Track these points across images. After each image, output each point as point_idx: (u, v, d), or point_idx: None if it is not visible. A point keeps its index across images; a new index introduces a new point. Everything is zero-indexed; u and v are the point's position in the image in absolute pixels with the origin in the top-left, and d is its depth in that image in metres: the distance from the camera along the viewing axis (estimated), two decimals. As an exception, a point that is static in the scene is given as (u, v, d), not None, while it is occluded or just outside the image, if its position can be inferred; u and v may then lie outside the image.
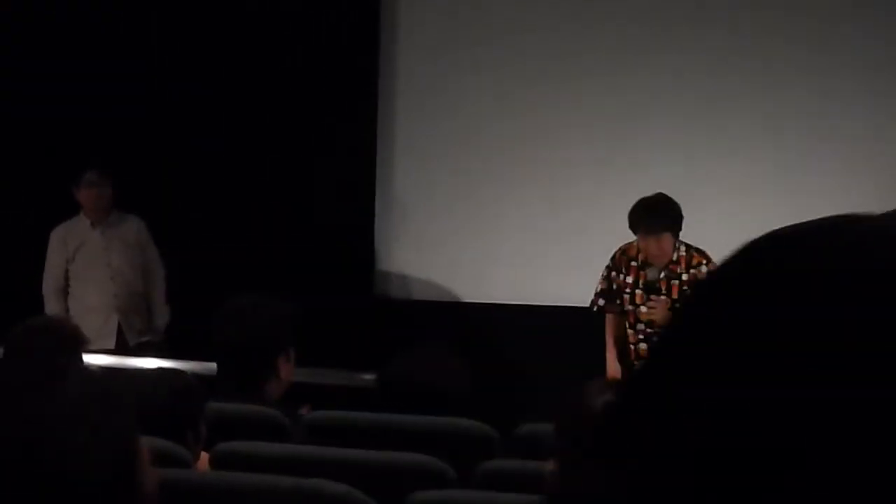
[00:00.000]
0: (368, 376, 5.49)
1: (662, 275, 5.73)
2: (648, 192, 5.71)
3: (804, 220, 0.72)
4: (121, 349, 6.49)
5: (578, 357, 5.96)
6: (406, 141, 7.39)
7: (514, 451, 3.38)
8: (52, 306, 6.60)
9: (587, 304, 6.22)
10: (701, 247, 5.75)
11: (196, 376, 5.26)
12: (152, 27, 7.38)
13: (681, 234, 5.72)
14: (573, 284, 6.81)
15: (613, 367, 5.92)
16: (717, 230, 5.87)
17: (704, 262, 5.64)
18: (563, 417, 2.27)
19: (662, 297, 5.70)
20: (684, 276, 5.67)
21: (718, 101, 6.84)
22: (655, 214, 5.58)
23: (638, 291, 5.81)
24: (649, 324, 5.75)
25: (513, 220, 7.19)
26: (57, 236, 6.70)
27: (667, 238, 5.60)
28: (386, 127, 7.40)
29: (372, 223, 7.40)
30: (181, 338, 6.65)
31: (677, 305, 5.56)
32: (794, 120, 6.75)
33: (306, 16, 7.29)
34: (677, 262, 5.69)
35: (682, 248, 5.69)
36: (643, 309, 5.74)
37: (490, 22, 7.22)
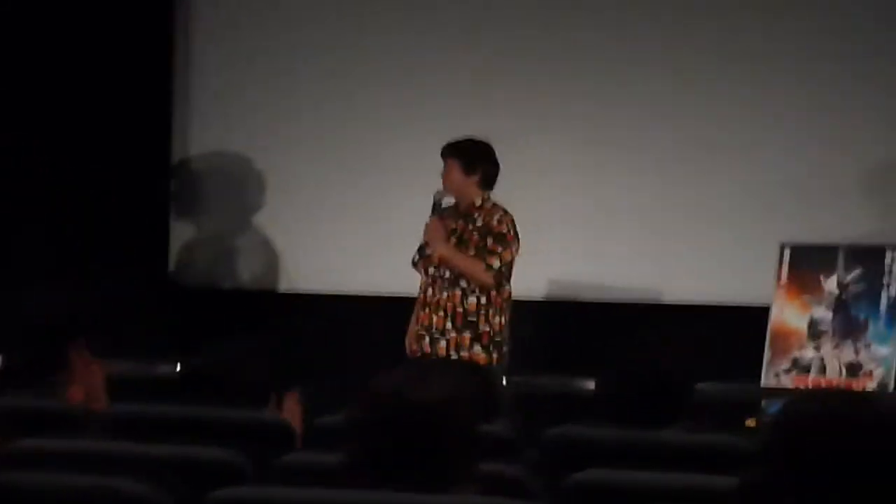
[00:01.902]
0: (165, 367, 5.41)
1: (455, 206, 5.83)
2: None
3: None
4: None
5: (388, 346, 5.96)
6: (205, 125, 7.28)
7: (315, 443, 3.36)
8: None
9: (393, 293, 6.21)
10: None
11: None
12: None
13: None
14: (379, 272, 6.81)
15: (410, 334, 5.96)
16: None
17: (501, 212, 5.81)
18: (352, 406, 2.28)
19: (436, 220, 5.81)
20: (478, 222, 5.80)
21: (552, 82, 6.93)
22: (450, 143, 5.84)
23: None
24: (437, 269, 5.82)
25: (318, 206, 7.14)
26: None
27: (453, 166, 5.80)
28: (182, 110, 7.28)
29: (167, 209, 7.27)
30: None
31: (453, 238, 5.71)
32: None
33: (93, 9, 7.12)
34: (479, 208, 5.83)
35: (490, 202, 5.84)
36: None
37: (294, 10, 7.17)
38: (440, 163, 5.90)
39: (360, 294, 6.95)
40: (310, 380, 6.40)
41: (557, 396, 5.73)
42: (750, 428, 5.47)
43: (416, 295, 6.00)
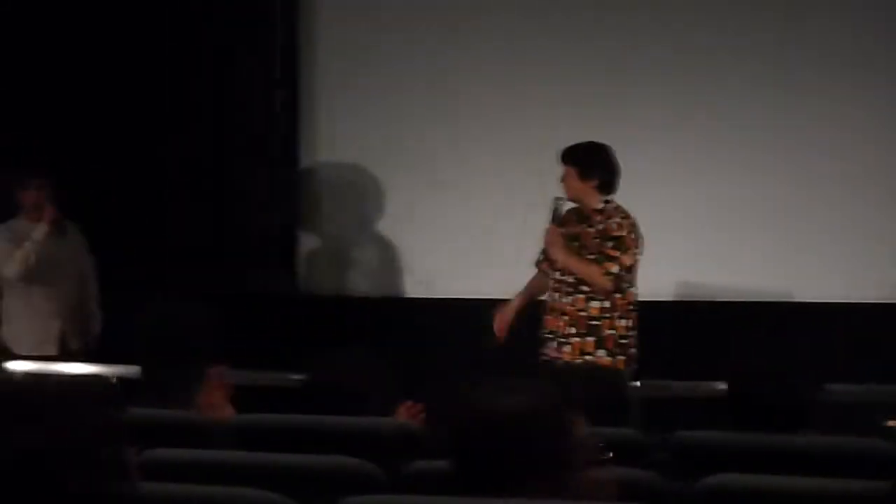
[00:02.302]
0: (295, 376, 5.44)
1: (570, 209, 5.82)
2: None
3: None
4: (63, 356, 6.39)
5: (508, 350, 5.94)
6: (330, 135, 7.34)
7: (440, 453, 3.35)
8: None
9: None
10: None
11: (121, 380, 5.19)
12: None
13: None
14: (502, 277, 6.79)
15: (498, 319, 5.99)
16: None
17: (621, 216, 5.76)
18: (455, 417, 2.29)
19: (555, 227, 5.81)
20: (599, 227, 5.77)
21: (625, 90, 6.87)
22: (567, 148, 5.81)
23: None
24: (560, 274, 5.80)
25: (439, 212, 7.16)
26: (2, 235, 6.51)
27: (568, 172, 5.78)
28: (308, 120, 7.34)
29: (296, 219, 7.34)
30: (103, 339, 6.58)
31: (575, 243, 5.71)
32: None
33: (222, 16, 7.22)
34: (600, 212, 5.78)
35: (612, 205, 5.79)
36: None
37: (414, 20, 7.19)
38: (559, 167, 5.86)
39: (482, 298, 6.94)
40: (438, 385, 6.41)
41: (687, 399, 5.65)
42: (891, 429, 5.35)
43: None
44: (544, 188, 5.94)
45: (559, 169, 5.82)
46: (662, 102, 6.85)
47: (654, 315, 5.96)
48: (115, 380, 5.45)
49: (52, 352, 6.45)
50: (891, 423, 5.44)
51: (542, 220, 5.93)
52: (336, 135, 7.33)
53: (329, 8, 7.32)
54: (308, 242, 7.38)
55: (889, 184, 6.64)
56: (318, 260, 7.39)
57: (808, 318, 6.45)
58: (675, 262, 6.58)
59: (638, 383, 5.36)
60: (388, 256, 7.27)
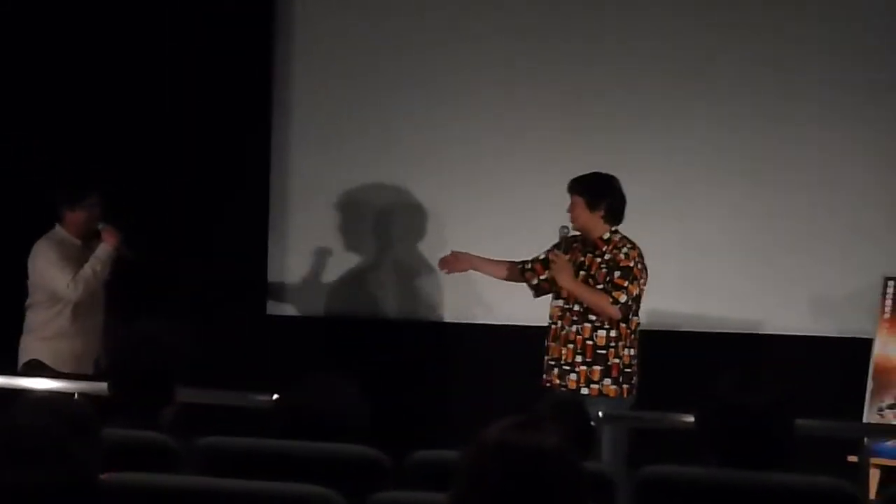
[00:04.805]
0: (263, 397, 5.44)
1: (574, 237, 5.87)
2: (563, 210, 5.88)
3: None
4: (98, 375, 6.33)
5: (483, 377, 5.96)
6: (300, 158, 7.33)
7: (409, 479, 3.35)
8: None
9: (491, 322, 6.21)
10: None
11: (87, 397, 5.17)
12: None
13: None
14: (495, 303, 6.80)
15: (459, 258, 6.12)
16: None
17: (628, 246, 5.83)
18: (467, 449, 2.25)
19: (562, 255, 5.85)
20: (606, 256, 5.82)
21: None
22: (575, 179, 5.87)
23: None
24: (566, 302, 5.82)
25: (409, 235, 7.16)
26: (55, 251, 6.37)
27: (576, 202, 5.83)
28: (280, 139, 7.34)
29: (265, 241, 7.33)
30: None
31: (581, 272, 5.75)
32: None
33: (200, 37, 7.21)
34: (607, 242, 5.84)
35: (618, 236, 5.85)
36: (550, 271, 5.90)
37: (391, 37, 7.19)
38: (566, 195, 5.88)
39: (448, 322, 6.95)
40: (409, 409, 6.40)
41: (653, 431, 5.66)
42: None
43: (528, 325, 6.03)
44: (553, 216, 5.96)
45: (566, 196, 5.84)
46: (641, 133, 6.88)
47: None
48: (76, 396, 5.41)
49: (90, 370, 6.39)
50: (851, 458, 5.46)
51: (544, 242, 5.95)
52: (308, 156, 7.33)
53: (305, 34, 7.31)
54: (278, 262, 7.37)
55: (858, 221, 6.67)
56: (289, 280, 7.37)
57: (775, 350, 6.48)
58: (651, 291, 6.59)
59: (601, 414, 5.37)
60: (367, 277, 7.27)
